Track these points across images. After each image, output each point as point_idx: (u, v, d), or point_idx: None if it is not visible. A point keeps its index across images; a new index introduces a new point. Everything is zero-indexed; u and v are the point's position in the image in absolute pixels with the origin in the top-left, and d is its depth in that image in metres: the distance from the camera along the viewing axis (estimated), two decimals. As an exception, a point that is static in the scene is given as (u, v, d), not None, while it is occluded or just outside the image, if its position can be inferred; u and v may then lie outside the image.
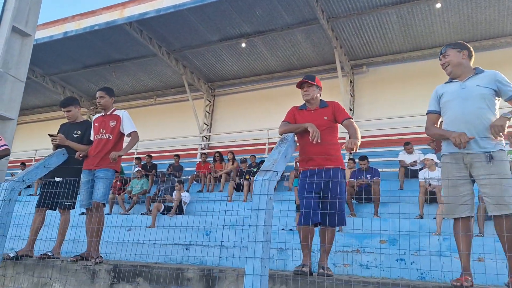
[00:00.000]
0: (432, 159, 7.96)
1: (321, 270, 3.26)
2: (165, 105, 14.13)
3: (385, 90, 10.75)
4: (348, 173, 9.49)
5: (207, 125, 13.08)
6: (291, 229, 8.18)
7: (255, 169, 10.61)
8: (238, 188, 10.18)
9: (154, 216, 9.36)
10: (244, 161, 10.78)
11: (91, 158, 4.44)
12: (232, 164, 11.06)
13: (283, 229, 8.16)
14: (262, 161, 10.45)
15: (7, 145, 5.31)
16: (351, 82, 11.07)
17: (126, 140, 4.54)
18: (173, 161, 12.11)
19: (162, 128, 13.69)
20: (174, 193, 9.92)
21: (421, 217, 7.39)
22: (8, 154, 5.36)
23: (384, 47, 10.58)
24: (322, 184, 3.36)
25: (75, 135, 4.77)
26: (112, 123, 4.55)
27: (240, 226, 8.53)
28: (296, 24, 9.88)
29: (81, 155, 4.48)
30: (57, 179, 4.50)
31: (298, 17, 9.62)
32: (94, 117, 4.78)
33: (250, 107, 12.61)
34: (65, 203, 4.56)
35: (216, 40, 10.83)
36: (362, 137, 10.82)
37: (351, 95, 10.99)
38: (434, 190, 7.50)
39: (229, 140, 12.55)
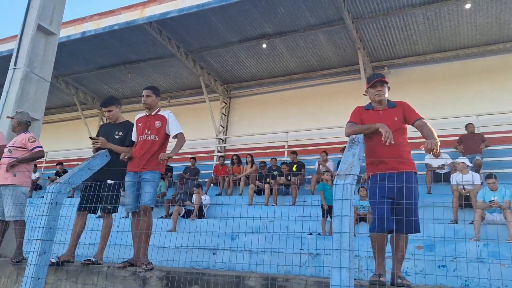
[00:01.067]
0: (463, 162, 7.79)
1: (399, 280, 3.08)
2: (179, 106, 13.94)
3: (408, 92, 10.57)
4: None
5: (223, 127, 12.91)
6: (319, 234, 8.02)
7: (276, 173, 10.44)
8: (259, 191, 9.98)
9: (175, 219, 9.18)
10: (264, 164, 10.60)
11: (136, 160, 4.25)
12: (251, 167, 10.87)
13: (310, 234, 7.99)
14: (289, 163, 10.28)
15: (41, 147, 5.12)
16: (372, 84, 10.89)
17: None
18: (189, 164, 11.93)
19: (176, 130, 13.49)
20: (194, 197, 9.75)
21: (456, 222, 7.22)
22: (42, 156, 5.17)
23: (408, 48, 10.43)
24: (395, 189, 3.18)
25: (116, 136, 4.59)
26: (158, 124, 4.37)
27: (267, 231, 8.38)
28: (319, 25, 9.73)
29: (126, 157, 4.30)
30: (109, 181, 4.31)
31: (322, 18, 9.47)
32: (136, 117, 4.61)
33: (267, 109, 12.45)
34: (108, 207, 4.38)
35: (236, 41, 10.67)
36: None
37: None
38: (468, 194, 7.34)
39: (246, 142, 12.37)
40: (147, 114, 4.50)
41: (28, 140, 5.06)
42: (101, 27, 10.22)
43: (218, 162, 12.13)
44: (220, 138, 12.68)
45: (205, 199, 9.76)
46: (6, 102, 6.74)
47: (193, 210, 9.45)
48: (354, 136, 3.31)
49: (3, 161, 4.96)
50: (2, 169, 4.90)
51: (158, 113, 4.48)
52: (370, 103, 3.62)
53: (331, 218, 8.02)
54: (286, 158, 11.43)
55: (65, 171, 13.67)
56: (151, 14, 9.59)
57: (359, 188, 8.63)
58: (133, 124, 4.73)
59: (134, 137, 4.52)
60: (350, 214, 2.70)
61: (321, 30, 9.86)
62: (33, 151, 5.01)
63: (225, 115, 12.99)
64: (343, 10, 8.75)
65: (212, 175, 11.48)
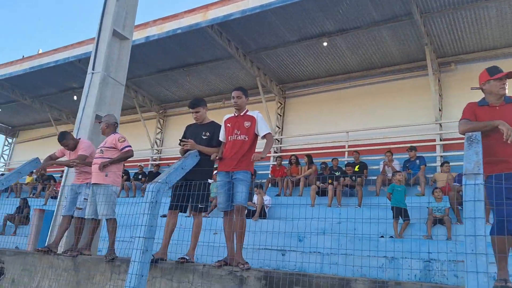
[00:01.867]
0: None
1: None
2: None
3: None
4: (444, 177, 8.93)
5: (279, 128, 12.86)
6: (391, 236, 7.77)
7: (337, 173, 10.26)
8: (320, 192, 9.83)
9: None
10: (325, 165, 10.45)
11: (227, 160, 4.28)
12: (310, 168, 10.75)
13: (382, 237, 7.76)
14: (352, 164, 10.07)
15: (130, 146, 5.28)
16: (438, 80, 10.46)
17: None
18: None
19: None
20: (255, 197, 9.76)
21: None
22: (132, 155, 5.32)
23: (477, 43, 9.92)
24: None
25: (204, 137, 4.65)
26: (247, 124, 4.38)
27: (333, 233, 8.23)
28: (383, 21, 9.45)
29: (217, 157, 4.34)
30: (210, 181, 4.38)
31: (388, 13, 9.19)
32: (225, 118, 4.65)
33: (323, 108, 12.26)
34: (199, 206, 4.44)
35: (295, 40, 10.59)
36: (452, 139, 10.13)
37: (440, 95, 10.38)
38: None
39: (302, 143, 12.26)
40: (236, 114, 4.52)
41: (118, 140, 5.23)
42: (164, 31, 10.47)
43: (275, 163, 12.12)
44: (276, 139, 12.63)
45: (267, 199, 9.75)
46: (86, 105, 7.03)
47: (255, 210, 9.47)
48: (470, 134, 3.12)
49: (95, 161, 5.16)
50: (94, 169, 5.10)
51: (247, 114, 4.49)
52: (484, 98, 3.41)
53: (403, 220, 7.80)
54: (346, 158, 11.21)
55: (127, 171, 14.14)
56: (213, 17, 9.70)
57: (433, 189, 8.29)
58: (219, 124, 4.77)
59: (222, 137, 4.56)
60: (484, 216, 2.54)
61: (386, 26, 9.58)
62: (122, 151, 5.18)
63: (280, 115, 12.94)
64: (412, 4, 8.44)
65: (270, 176, 11.46)
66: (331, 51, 10.86)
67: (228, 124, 4.49)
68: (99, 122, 5.60)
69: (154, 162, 15.09)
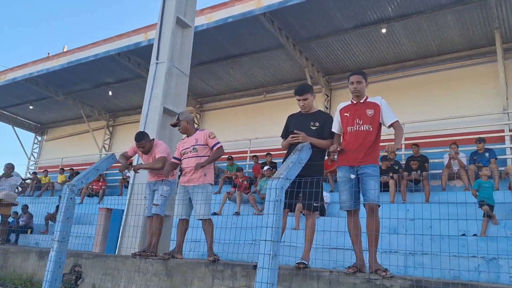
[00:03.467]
0: None
1: None
2: (275, 101, 13.56)
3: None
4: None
5: (327, 121, 12.32)
6: (475, 235, 7.23)
7: (396, 167, 9.72)
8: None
9: (297, 217, 8.75)
10: (385, 158, 9.91)
11: (351, 153, 3.80)
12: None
13: (463, 235, 7.23)
14: (412, 157, 9.52)
15: (220, 143, 4.84)
16: (504, 68, 9.82)
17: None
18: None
19: (272, 126, 13.11)
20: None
21: None
22: (223, 153, 4.89)
23: (549, 26, 9.27)
24: None
25: (312, 128, 4.17)
26: (370, 112, 3.88)
27: (403, 231, 7.72)
28: (450, 4, 8.86)
29: (338, 149, 3.86)
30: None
31: (457, -5, 8.61)
32: (340, 106, 4.16)
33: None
34: (314, 204, 3.97)
35: (350, 27, 10.04)
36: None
37: (505, 83, 9.75)
38: None
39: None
40: (354, 102, 4.03)
41: (209, 136, 4.81)
42: (213, 21, 10.00)
43: (326, 158, 11.62)
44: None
45: (326, 196, 9.27)
46: (152, 98, 6.61)
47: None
48: None
49: (189, 161, 4.75)
50: (190, 169, 4.71)
51: (368, 100, 3.99)
52: None
53: (490, 218, 7.24)
54: (403, 152, 10.66)
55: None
56: (268, 4, 9.20)
57: (510, 183, 7.72)
58: (328, 114, 4.30)
59: (336, 128, 4.09)
60: None
61: (452, 10, 8.98)
62: (214, 148, 4.76)
63: (327, 108, 12.41)
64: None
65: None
66: (388, 39, 10.29)
67: (345, 113, 4.00)
68: (176, 124, 5.13)
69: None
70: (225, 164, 12.38)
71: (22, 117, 19.29)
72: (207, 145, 4.79)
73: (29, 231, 12.27)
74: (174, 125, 5.18)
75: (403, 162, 10.18)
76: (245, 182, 10.97)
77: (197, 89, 14.51)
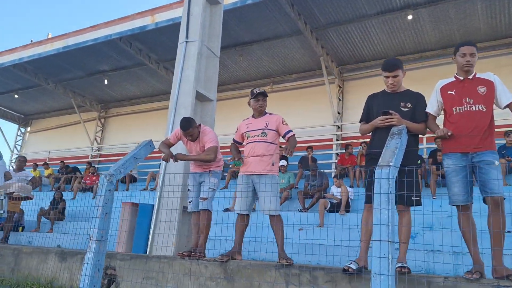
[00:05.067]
0: None
1: None
2: (282, 93, 12.99)
3: None
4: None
5: (339, 114, 11.86)
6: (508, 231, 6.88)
7: (419, 161, 9.33)
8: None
9: (322, 214, 8.24)
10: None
11: (464, 138, 3.26)
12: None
13: (509, 232, 6.86)
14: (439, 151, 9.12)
15: (292, 131, 4.24)
16: (530, 58, 9.57)
17: None
18: (305, 153, 11.01)
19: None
20: (333, 188, 8.81)
21: None
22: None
23: None
24: None
25: (404, 109, 3.62)
26: (482, 89, 3.36)
27: (446, 228, 7.31)
28: (483, -10, 8.49)
29: (449, 134, 3.32)
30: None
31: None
32: (440, 84, 3.64)
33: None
34: (412, 198, 3.43)
35: (374, 13, 9.56)
36: None
37: (531, 74, 9.48)
38: None
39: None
40: (461, 78, 3.50)
41: (282, 122, 4.19)
42: (230, 3, 9.32)
43: (341, 151, 11.18)
44: (337, 125, 11.65)
45: (350, 190, 8.79)
46: (183, 80, 5.94)
47: (336, 203, 8.52)
48: None
49: (256, 146, 4.12)
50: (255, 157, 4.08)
51: (477, 77, 3.47)
52: None
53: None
54: (425, 146, 10.27)
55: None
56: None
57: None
58: (419, 93, 3.78)
59: (433, 110, 3.56)
60: None
61: (483, -4, 8.63)
62: (287, 136, 4.14)
63: (340, 100, 11.94)
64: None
65: (337, 165, 10.50)
66: (411, 27, 9.86)
67: (450, 92, 3.47)
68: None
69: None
70: (228, 158, 11.75)
71: (4, 107, 18.07)
72: (277, 131, 4.18)
73: (20, 228, 11.33)
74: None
75: (425, 156, 9.81)
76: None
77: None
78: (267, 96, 4.33)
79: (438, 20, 9.51)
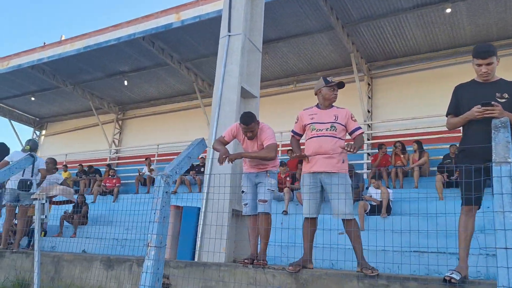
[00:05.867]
0: None
1: None
2: (307, 91, 12.62)
3: None
4: None
5: (369, 112, 11.47)
6: None
7: (449, 161, 8.95)
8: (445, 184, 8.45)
9: (362, 217, 7.88)
10: (453, 154, 9.09)
11: None
12: (422, 156, 9.41)
13: None
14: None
15: (361, 128, 3.89)
16: None
17: None
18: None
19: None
20: (371, 190, 8.45)
21: None
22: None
23: None
24: None
25: (500, 100, 3.25)
26: None
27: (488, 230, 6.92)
28: (528, -19, 8.10)
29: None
30: None
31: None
32: None
33: (422, 88, 10.89)
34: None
35: (410, 7, 9.18)
36: None
37: None
38: None
39: (398, 128, 10.90)
40: None
41: (351, 117, 3.84)
42: None
43: (368, 151, 10.81)
44: (368, 124, 11.26)
45: (391, 192, 8.41)
46: (226, 75, 5.60)
47: (376, 205, 8.14)
48: None
49: (323, 141, 3.77)
50: (324, 153, 3.72)
51: None
52: None
53: None
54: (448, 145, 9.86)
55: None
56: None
57: None
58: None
59: (535, 98, 3.19)
60: None
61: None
62: (356, 133, 3.80)
63: (369, 98, 11.56)
64: None
65: (371, 165, 10.13)
66: (447, 21, 9.48)
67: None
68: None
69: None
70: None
71: (20, 110, 17.87)
72: (345, 126, 3.83)
73: (42, 233, 11.06)
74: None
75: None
76: (288, 179, 10.02)
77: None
78: (344, 86, 4.00)
79: (475, 13, 9.12)
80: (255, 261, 3.93)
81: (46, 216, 4.57)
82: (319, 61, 11.82)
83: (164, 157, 14.62)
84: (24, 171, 6.24)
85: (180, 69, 12.46)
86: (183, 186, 12.11)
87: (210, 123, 5.55)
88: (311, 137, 3.84)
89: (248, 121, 4.12)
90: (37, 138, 19.05)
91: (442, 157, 9.26)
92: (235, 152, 4.28)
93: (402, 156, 9.71)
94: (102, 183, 13.42)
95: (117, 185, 13.19)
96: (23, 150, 6.60)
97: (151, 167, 13.39)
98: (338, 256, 5.74)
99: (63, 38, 13.29)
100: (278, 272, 3.66)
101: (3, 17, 59.25)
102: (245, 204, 4.35)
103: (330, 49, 11.10)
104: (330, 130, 3.76)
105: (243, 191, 4.44)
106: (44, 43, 13.30)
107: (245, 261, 3.97)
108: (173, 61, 12.14)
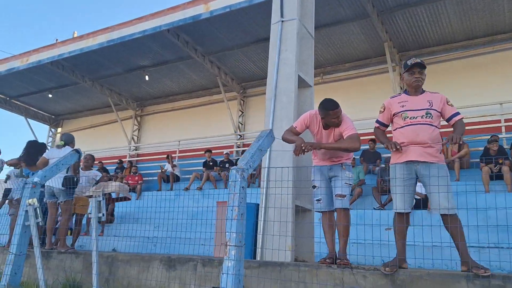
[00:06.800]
0: None
1: None
2: (333, 84, 12.31)
3: None
4: None
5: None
6: None
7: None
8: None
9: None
10: (494, 142, 8.75)
11: None
12: (462, 148, 9.08)
13: None
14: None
15: (460, 114, 3.58)
16: None
17: None
18: (367, 147, 10.37)
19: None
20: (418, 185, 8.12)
21: None
22: None
23: None
24: None
25: None
26: None
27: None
28: None
29: None
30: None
31: None
32: None
33: (459, 78, 10.53)
34: None
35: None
36: None
37: None
38: None
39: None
40: None
41: (447, 102, 3.53)
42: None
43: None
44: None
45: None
46: (281, 63, 5.28)
47: (421, 200, 7.82)
48: None
49: (418, 129, 3.47)
50: (422, 142, 3.42)
51: None
52: None
53: None
54: (505, 135, 9.52)
55: (214, 160, 12.49)
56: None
57: None
58: None
59: None
60: None
61: None
62: (455, 119, 3.49)
63: (401, 88, 11.18)
64: None
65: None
66: (486, 7, 9.10)
67: None
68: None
69: (240, 149, 13.43)
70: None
71: (36, 108, 17.63)
72: (440, 112, 3.52)
73: (69, 232, 10.83)
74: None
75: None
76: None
77: (241, 73, 13.17)
78: (425, 67, 3.67)
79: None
80: (337, 260, 3.64)
81: (103, 214, 4.30)
82: (348, 52, 11.48)
83: (185, 154, 14.36)
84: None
85: (203, 63, 12.14)
86: (209, 183, 11.86)
87: (266, 115, 5.23)
88: (403, 126, 3.53)
89: (335, 105, 3.83)
90: (53, 136, 18.84)
91: (482, 148, 8.93)
92: (310, 142, 3.95)
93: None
94: (124, 180, 13.17)
95: (139, 182, 12.95)
96: (57, 146, 6.34)
97: (173, 164, 13.14)
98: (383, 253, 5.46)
99: (75, 35, 13.00)
100: (369, 273, 3.37)
101: (15, 14, 58.99)
102: (318, 200, 4.06)
103: (361, 39, 10.76)
104: (425, 117, 3.46)
105: (314, 186, 4.14)
106: (56, 40, 13.01)
107: (327, 260, 3.68)
108: (197, 54, 11.82)
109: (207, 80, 13.63)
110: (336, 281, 3.48)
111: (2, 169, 7.54)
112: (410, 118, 3.51)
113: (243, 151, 12.88)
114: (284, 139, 4.12)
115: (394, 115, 3.64)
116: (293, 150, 3.91)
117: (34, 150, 6.49)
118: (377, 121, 3.81)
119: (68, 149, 6.03)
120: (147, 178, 13.67)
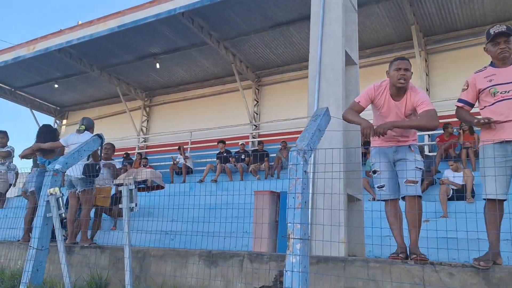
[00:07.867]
0: None
1: None
2: (377, 66, 11.74)
3: None
4: None
5: (427, 90, 10.61)
6: None
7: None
8: None
9: (445, 202, 7.10)
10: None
11: None
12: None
13: None
14: None
15: None
16: None
17: None
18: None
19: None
20: (448, 173, 7.69)
21: None
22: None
23: None
24: None
25: None
26: None
27: None
28: None
29: None
30: None
31: None
32: None
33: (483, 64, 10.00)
34: None
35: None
36: None
37: None
38: None
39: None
40: None
41: None
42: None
43: (429, 132, 9.98)
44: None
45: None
46: (325, 37, 4.77)
47: (457, 190, 7.37)
48: None
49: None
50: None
51: None
52: None
53: None
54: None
55: (228, 151, 12.00)
56: None
57: None
58: None
59: None
60: None
61: None
62: None
63: (427, 75, 10.69)
64: None
65: (437, 147, 9.35)
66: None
67: None
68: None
69: (256, 139, 12.94)
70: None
71: (41, 99, 17.12)
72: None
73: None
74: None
75: None
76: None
77: (257, 59, 12.64)
78: None
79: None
80: (413, 256, 3.16)
81: (136, 205, 3.83)
82: (370, 36, 10.94)
83: (197, 145, 13.88)
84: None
85: (218, 49, 11.61)
86: (223, 175, 11.37)
87: (309, 94, 4.73)
88: (493, 103, 3.05)
89: (408, 64, 3.36)
90: (58, 128, 18.34)
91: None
92: (382, 124, 3.42)
93: (472, 135, 8.92)
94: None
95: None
96: (78, 131, 5.85)
97: (185, 155, 12.65)
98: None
99: (79, 23, 12.44)
100: (456, 270, 2.89)
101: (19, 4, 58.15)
102: (380, 187, 3.57)
103: (385, 22, 10.23)
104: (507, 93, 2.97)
105: (374, 171, 3.66)
106: (60, 29, 12.45)
107: (400, 255, 3.20)
108: (211, 39, 11.30)
109: (220, 68, 13.12)
110: (414, 280, 3.00)
111: (13, 157, 7.07)
112: (501, 93, 3.03)
113: (259, 142, 12.39)
114: (346, 119, 3.62)
115: (480, 91, 3.15)
116: (361, 132, 3.41)
117: (51, 135, 6.00)
118: (460, 100, 3.31)
119: (88, 134, 5.55)
120: (157, 171, 13.17)
